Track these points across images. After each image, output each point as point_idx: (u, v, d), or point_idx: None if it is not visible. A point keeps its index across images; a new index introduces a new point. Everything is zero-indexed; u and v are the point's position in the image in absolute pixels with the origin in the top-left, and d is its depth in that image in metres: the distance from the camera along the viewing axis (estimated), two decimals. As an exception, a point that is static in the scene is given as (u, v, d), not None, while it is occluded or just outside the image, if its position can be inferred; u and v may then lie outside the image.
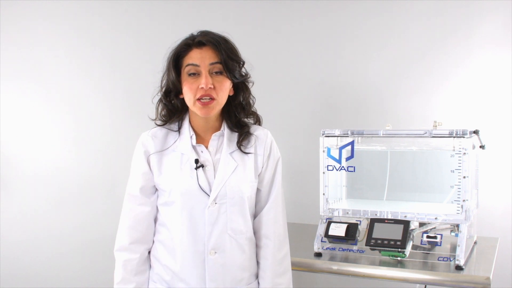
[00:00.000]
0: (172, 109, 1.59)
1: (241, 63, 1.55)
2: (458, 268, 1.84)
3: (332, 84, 2.72)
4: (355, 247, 2.04)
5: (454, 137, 1.90)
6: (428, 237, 1.92)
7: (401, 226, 1.93)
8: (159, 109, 1.60)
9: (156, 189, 1.57)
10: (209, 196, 1.51)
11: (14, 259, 3.07)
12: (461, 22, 2.48)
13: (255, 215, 1.62)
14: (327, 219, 2.09)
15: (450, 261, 1.90)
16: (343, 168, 2.10)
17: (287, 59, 2.79)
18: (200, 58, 1.49)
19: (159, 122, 1.60)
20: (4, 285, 3.05)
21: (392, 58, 2.61)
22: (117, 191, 2.71)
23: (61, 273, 3.04)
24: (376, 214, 2.03)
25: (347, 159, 2.09)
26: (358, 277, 1.95)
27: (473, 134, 1.98)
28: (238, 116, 1.59)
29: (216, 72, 1.50)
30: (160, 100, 1.59)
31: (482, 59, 2.46)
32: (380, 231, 1.95)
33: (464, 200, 1.90)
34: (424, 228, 1.98)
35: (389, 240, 1.91)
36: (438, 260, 1.92)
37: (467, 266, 1.87)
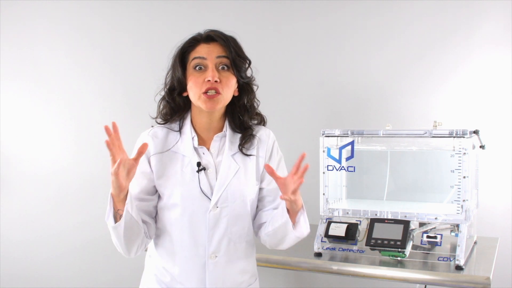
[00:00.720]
0: (175, 107, 1.54)
1: (248, 62, 1.53)
2: (458, 268, 1.84)
3: (332, 84, 2.72)
4: (355, 247, 2.04)
5: (454, 137, 1.90)
6: (428, 237, 1.92)
7: (401, 226, 1.93)
8: (161, 107, 1.56)
9: (156, 190, 1.53)
10: (210, 200, 1.48)
11: (14, 259, 3.07)
12: (461, 22, 2.48)
13: (256, 213, 1.59)
14: (327, 219, 2.09)
15: (450, 261, 1.90)
16: (343, 168, 2.10)
17: (287, 59, 2.78)
18: (208, 51, 1.46)
19: (159, 121, 1.57)
20: (4, 285, 3.05)
21: (392, 58, 2.61)
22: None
23: (61, 273, 3.04)
24: (376, 214, 2.03)
25: (347, 159, 2.09)
26: (358, 277, 1.95)
27: (473, 134, 1.98)
28: (242, 118, 1.56)
29: (223, 68, 1.47)
30: (163, 98, 1.55)
31: (482, 59, 2.46)
32: (380, 231, 1.95)
33: (464, 200, 1.90)
34: (424, 228, 1.98)
35: (389, 240, 1.91)
36: (438, 260, 1.92)
37: (467, 266, 1.87)
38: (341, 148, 2.10)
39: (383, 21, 2.62)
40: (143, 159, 1.50)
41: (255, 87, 1.57)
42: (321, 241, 2.05)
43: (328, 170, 2.10)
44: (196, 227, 1.48)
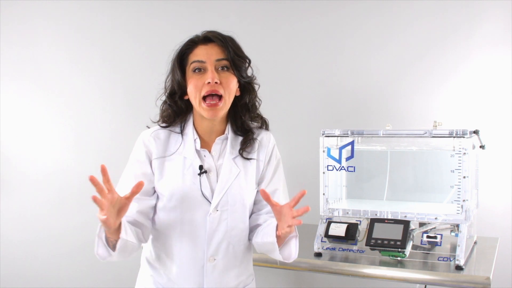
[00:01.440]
0: (177, 110, 1.52)
1: (248, 61, 1.52)
2: (458, 268, 1.84)
3: (332, 84, 2.72)
4: (355, 247, 2.04)
5: (454, 137, 1.90)
6: (428, 237, 1.92)
7: (401, 226, 1.93)
8: (163, 111, 1.55)
9: (155, 191, 1.52)
10: (210, 203, 1.48)
11: (14, 259, 3.07)
12: (461, 22, 2.48)
13: (252, 213, 1.58)
14: (327, 219, 2.09)
15: (450, 261, 1.90)
16: (343, 168, 2.10)
17: (287, 59, 2.78)
18: (206, 54, 1.45)
19: (162, 124, 1.54)
20: (4, 285, 3.05)
21: (392, 58, 2.61)
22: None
23: (61, 273, 3.04)
24: (376, 214, 2.03)
25: (347, 159, 2.09)
26: (358, 277, 1.95)
27: (473, 134, 1.98)
28: (243, 118, 1.54)
29: (222, 68, 1.46)
30: (165, 102, 1.54)
31: (482, 59, 2.46)
32: (380, 231, 1.95)
33: (464, 200, 1.90)
34: (424, 228, 1.98)
35: (389, 240, 1.91)
36: (438, 260, 1.92)
37: (467, 266, 1.87)
38: (341, 148, 2.10)
39: (383, 21, 2.62)
40: (145, 160, 1.50)
41: (256, 86, 1.56)
42: (321, 241, 2.05)
43: (328, 170, 2.10)
44: (196, 230, 1.48)
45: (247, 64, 1.52)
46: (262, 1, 2.78)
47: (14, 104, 3.06)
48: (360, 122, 2.62)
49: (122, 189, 1.42)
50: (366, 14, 2.64)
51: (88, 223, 2.93)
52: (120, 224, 1.34)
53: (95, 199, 1.25)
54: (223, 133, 1.54)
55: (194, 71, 1.46)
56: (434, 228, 1.98)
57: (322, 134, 2.11)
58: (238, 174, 1.50)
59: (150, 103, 1.59)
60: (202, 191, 1.47)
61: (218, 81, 1.43)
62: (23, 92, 3.05)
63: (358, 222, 2.03)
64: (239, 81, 1.50)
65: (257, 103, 1.57)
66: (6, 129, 3.07)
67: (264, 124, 1.60)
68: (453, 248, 1.95)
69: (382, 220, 1.98)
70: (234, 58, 1.46)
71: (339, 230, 2.01)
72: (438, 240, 1.91)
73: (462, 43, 2.48)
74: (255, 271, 1.70)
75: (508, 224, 2.41)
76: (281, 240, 1.44)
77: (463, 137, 1.88)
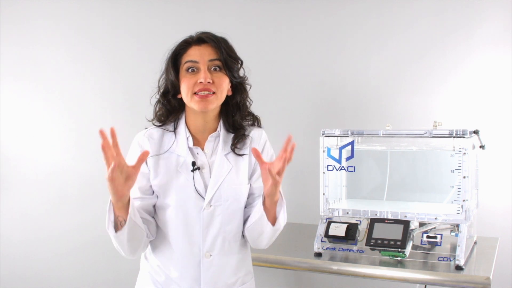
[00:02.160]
0: (170, 109, 1.57)
1: (240, 62, 1.55)
2: (458, 268, 1.84)
3: (332, 84, 2.72)
4: (355, 247, 2.04)
5: (454, 137, 1.90)
6: (428, 237, 1.92)
7: (401, 226, 1.93)
8: (157, 110, 1.59)
9: (153, 190, 1.55)
10: (204, 198, 1.50)
11: (14, 259, 3.07)
12: (461, 22, 2.48)
13: (245, 206, 1.59)
14: (327, 219, 2.09)
15: (450, 261, 1.90)
16: (343, 168, 2.10)
17: (287, 59, 2.78)
18: (199, 54, 1.48)
19: (157, 123, 1.59)
20: (4, 285, 3.05)
21: (392, 58, 2.61)
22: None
23: (61, 273, 3.04)
24: (376, 214, 2.03)
25: (347, 159, 2.09)
26: (358, 277, 1.95)
27: (473, 134, 1.98)
28: (234, 117, 1.58)
29: (215, 69, 1.49)
30: (158, 101, 1.58)
31: (482, 59, 2.46)
32: (380, 231, 1.95)
33: (464, 200, 1.90)
34: (424, 228, 1.98)
35: (389, 240, 1.91)
36: (438, 260, 1.92)
37: (467, 266, 1.87)
38: (341, 148, 2.10)
39: (383, 21, 2.62)
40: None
41: (248, 87, 1.59)
42: (321, 241, 2.05)
43: (328, 170, 2.10)
44: (191, 226, 1.50)
45: (239, 65, 1.55)
46: (262, 1, 2.78)
47: (14, 104, 3.06)
48: (360, 122, 2.62)
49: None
50: (366, 14, 2.64)
51: (88, 223, 2.96)
52: (128, 202, 1.36)
53: (103, 147, 1.26)
54: (215, 131, 1.57)
55: (187, 70, 1.50)
56: (434, 228, 1.98)
57: (322, 134, 2.11)
58: (230, 170, 1.54)
59: (150, 103, 1.61)
60: (195, 187, 1.50)
61: (211, 81, 1.47)
62: (23, 92, 3.05)
63: (358, 222, 2.03)
64: (231, 81, 1.54)
65: (248, 103, 1.61)
66: (6, 129, 3.07)
67: (256, 121, 1.63)
68: (453, 248, 1.95)
69: (382, 220, 1.98)
70: (227, 58, 1.49)
71: (339, 230, 2.01)
72: (438, 240, 1.91)
73: (462, 43, 2.48)
74: (255, 271, 1.70)
75: (508, 224, 2.41)
76: (268, 211, 1.46)
77: (463, 137, 1.88)
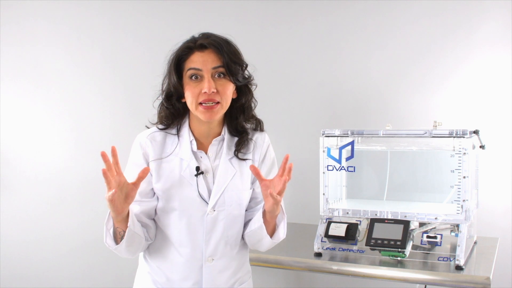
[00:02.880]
0: (174, 112, 1.54)
1: (244, 65, 1.52)
2: (458, 268, 1.84)
3: (332, 84, 2.72)
4: (355, 247, 2.04)
5: (454, 137, 1.90)
6: (428, 237, 1.92)
7: (401, 226, 1.93)
8: (161, 113, 1.56)
9: (155, 193, 1.53)
10: (208, 203, 1.49)
11: (14, 259, 3.07)
12: (461, 22, 2.48)
13: (247, 209, 1.59)
14: (327, 219, 2.08)
15: (450, 261, 1.90)
16: (343, 168, 2.10)
17: (287, 59, 2.78)
18: (202, 61, 1.45)
19: (161, 126, 1.55)
20: (4, 285, 3.05)
21: (392, 58, 2.61)
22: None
23: (61, 273, 3.04)
24: (376, 214, 2.03)
25: (347, 159, 2.09)
26: (358, 277, 1.95)
27: (473, 134, 1.98)
28: (238, 119, 1.55)
29: (219, 75, 1.47)
30: (162, 104, 1.55)
31: (482, 59, 2.46)
32: (380, 231, 1.95)
33: (464, 200, 1.90)
34: (424, 228, 1.98)
35: (389, 240, 1.91)
36: (438, 260, 1.92)
37: (467, 266, 1.87)
38: (341, 148, 2.10)
39: (383, 21, 2.62)
40: (143, 163, 1.51)
41: (253, 87, 1.56)
42: (321, 241, 2.05)
43: (328, 170, 2.10)
44: (194, 231, 1.49)
45: (243, 68, 1.52)
46: (262, 1, 2.78)
47: (14, 104, 3.06)
48: (360, 122, 2.62)
49: None
50: (366, 14, 2.64)
51: (88, 223, 2.96)
52: (127, 214, 1.37)
53: (104, 173, 1.28)
54: (219, 134, 1.55)
55: (191, 77, 1.47)
56: (434, 228, 1.98)
57: (322, 134, 2.11)
58: (234, 175, 1.52)
59: (150, 103, 1.59)
60: (199, 192, 1.48)
61: (215, 90, 1.44)
62: (23, 92, 3.05)
63: (358, 222, 2.03)
64: (235, 84, 1.51)
65: (252, 104, 1.58)
66: (6, 129, 3.07)
67: (258, 125, 1.61)
68: (453, 248, 1.95)
69: (382, 220, 1.98)
70: (230, 64, 1.46)
71: (339, 230, 2.01)
72: (438, 240, 1.91)
73: (462, 43, 2.48)
74: (254, 271, 1.71)
75: (508, 224, 2.41)
76: (268, 223, 1.48)
77: (463, 137, 1.88)
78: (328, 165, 2.10)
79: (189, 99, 1.47)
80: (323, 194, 2.11)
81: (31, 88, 3.03)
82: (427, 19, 2.54)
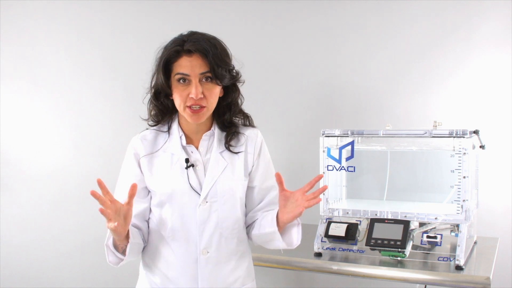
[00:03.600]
0: (163, 109, 1.58)
1: (231, 67, 1.54)
2: (458, 268, 1.84)
3: (332, 84, 2.72)
4: (355, 247, 2.04)
5: (454, 137, 1.90)
6: (428, 237, 1.92)
7: (401, 226, 1.93)
8: (150, 109, 1.60)
9: (149, 191, 1.57)
10: (199, 195, 1.51)
11: (14, 259, 3.07)
12: (461, 22, 2.48)
13: (247, 213, 1.63)
14: (327, 219, 2.09)
15: (450, 261, 1.90)
16: (343, 168, 2.10)
17: (287, 58, 2.78)
18: (190, 67, 1.47)
19: (151, 123, 1.61)
20: (4, 285, 3.05)
21: (392, 58, 2.61)
22: (117, 191, 2.71)
23: (61, 273, 3.04)
24: (376, 214, 2.03)
25: (347, 159, 2.09)
26: (358, 277, 1.95)
27: (473, 134, 1.98)
28: (226, 115, 1.59)
29: (206, 79, 1.49)
30: (151, 101, 1.59)
31: (482, 59, 2.46)
32: (380, 231, 1.95)
33: (464, 200, 1.90)
34: (424, 228, 1.98)
35: (389, 240, 1.91)
36: (438, 260, 1.92)
37: (467, 266, 1.87)
38: (341, 148, 2.10)
39: (383, 21, 2.62)
40: (134, 162, 1.56)
41: (240, 83, 1.59)
42: (321, 241, 2.05)
43: (328, 170, 2.10)
44: (187, 223, 1.52)
45: (230, 70, 1.53)
46: (262, 1, 2.78)
47: (14, 104, 3.06)
48: (360, 122, 2.62)
49: (120, 197, 1.45)
50: (366, 14, 2.64)
51: (88, 223, 2.96)
52: (128, 231, 1.43)
53: (102, 212, 1.33)
54: (209, 129, 1.59)
55: (179, 80, 1.50)
56: (434, 228, 1.98)
57: (322, 134, 2.11)
58: (225, 167, 1.56)
59: (142, 103, 1.63)
60: (190, 183, 1.51)
61: (202, 96, 1.48)
62: (23, 92, 3.05)
63: (358, 222, 2.03)
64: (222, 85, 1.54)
65: (239, 101, 1.62)
66: (6, 129, 3.07)
67: (247, 120, 1.64)
68: (453, 248, 1.95)
69: (382, 220, 1.98)
70: (216, 69, 1.48)
71: (339, 230, 2.01)
72: (438, 240, 1.91)
73: (462, 43, 2.48)
74: (254, 271, 1.70)
75: (508, 224, 2.41)
76: (280, 228, 1.51)
77: (463, 137, 1.88)
78: (328, 165, 2.10)
79: (177, 101, 1.51)
80: (323, 194, 2.10)
81: (31, 88, 3.03)
82: (427, 19, 2.54)
